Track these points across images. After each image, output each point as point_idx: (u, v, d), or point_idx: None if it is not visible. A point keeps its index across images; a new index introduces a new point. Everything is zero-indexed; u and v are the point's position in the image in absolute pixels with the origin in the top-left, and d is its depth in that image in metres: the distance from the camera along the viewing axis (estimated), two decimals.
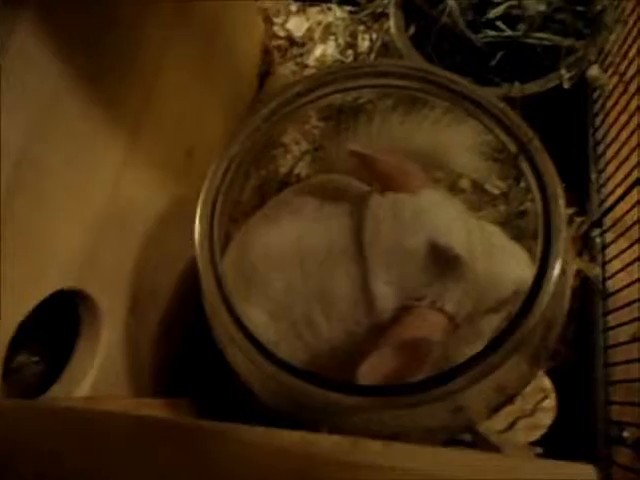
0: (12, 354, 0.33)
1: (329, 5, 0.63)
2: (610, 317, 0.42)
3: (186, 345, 0.47)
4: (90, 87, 0.33)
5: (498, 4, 0.50)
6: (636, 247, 0.39)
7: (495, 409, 0.35)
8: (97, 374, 0.36)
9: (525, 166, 0.33)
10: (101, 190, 0.36)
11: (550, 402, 0.42)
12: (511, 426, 0.42)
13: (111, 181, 0.37)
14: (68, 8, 0.31)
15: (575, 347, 0.45)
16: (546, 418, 0.42)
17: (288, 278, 0.36)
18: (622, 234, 0.42)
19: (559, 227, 0.31)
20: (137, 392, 0.42)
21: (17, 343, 0.31)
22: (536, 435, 0.42)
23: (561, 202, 0.32)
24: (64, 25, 0.31)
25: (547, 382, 0.43)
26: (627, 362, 0.38)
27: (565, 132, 0.47)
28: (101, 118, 0.35)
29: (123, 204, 0.38)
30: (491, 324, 0.36)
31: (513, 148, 0.34)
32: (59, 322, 0.36)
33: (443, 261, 0.32)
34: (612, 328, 0.42)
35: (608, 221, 0.46)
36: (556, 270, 0.30)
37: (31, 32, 0.29)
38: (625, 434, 0.38)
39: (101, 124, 0.35)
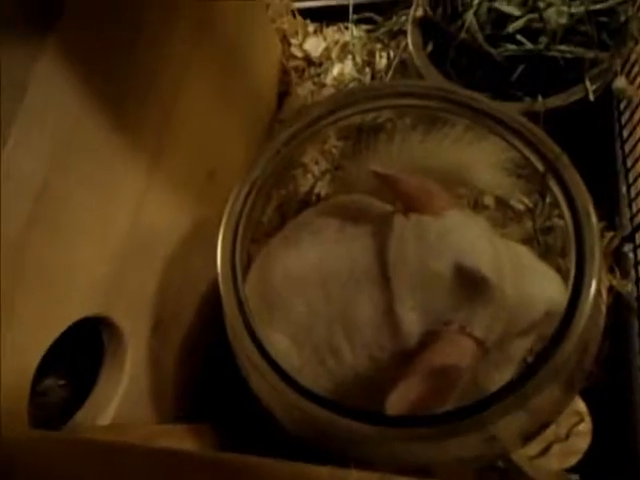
0: (39, 378, 0.33)
1: (346, 24, 0.63)
2: None
3: (209, 367, 0.47)
4: (111, 111, 0.33)
5: (518, 18, 0.49)
6: None
7: (529, 437, 0.33)
8: (121, 400, 0.36)
9: (553, 184, 0.32)
10: (123, 215, 0.36)
11: (585, 426, 0.41)
12: (545, 451, 0.40)
13: (133, 205, 0.37)
14: (90, 34, 0.32)
15: (609, 368, 0.43)
16: (582, 443, 0.40)
17: (310, 301, 0.35)
18: None
19: (592, 246, 0.30)
20: (160, 415, 0.41)
21: (44, 367, 0.31)
22: (571, 461, 0.40)
23: (593, 220, 0.30)
24: (86, 51, 0.31)
25: (582, 405, 0.41)
26: None
27: (591, 146, 0.45)
28: (122, 142, 0.35)
29: (145, 228, 0.38)
30: (522, 347, 0.35)
31: (540, 166, 0.33)
32: (86, 346, 0.36)
33: (470, 284, 0.31)
34: None
35: None
36: (592, 290, 0.29)
37: (53, 60, 0.29)
38: None
39: (122, 148, 0.35)
